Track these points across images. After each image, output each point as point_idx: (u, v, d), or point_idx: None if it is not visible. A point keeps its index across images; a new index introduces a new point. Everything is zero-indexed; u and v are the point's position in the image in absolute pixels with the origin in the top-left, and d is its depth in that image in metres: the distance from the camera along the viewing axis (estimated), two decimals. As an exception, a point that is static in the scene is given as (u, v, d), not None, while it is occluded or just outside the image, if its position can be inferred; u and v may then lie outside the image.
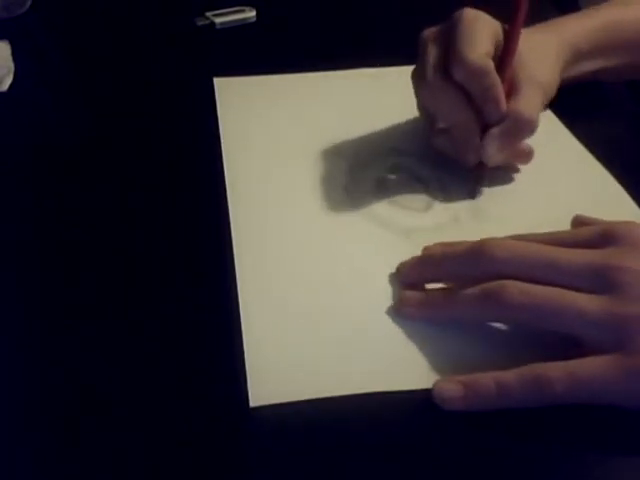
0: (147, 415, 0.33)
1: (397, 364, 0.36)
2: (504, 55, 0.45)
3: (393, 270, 0.41)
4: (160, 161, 0.50)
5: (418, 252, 0.41)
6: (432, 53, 0.45)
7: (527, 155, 0.48)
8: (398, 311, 0.38)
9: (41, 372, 0.35)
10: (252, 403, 0.33)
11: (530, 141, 0.49)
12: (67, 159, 0.50)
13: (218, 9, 0.69)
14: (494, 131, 0.44)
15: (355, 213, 0.45)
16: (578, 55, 0.51)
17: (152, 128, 0.54)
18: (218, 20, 0.68)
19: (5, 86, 0.57)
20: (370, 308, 0.39)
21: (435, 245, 0.42)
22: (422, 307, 0.38)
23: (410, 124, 0.53)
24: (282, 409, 0.33)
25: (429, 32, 0.47)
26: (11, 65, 0.59)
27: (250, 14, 0.69)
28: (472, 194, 0.46)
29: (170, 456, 0.32)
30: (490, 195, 0.47)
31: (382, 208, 0.45)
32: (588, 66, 0.53)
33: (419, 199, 0.46)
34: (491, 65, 0.43)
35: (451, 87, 0.44)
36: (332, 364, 0.35)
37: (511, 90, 0.45)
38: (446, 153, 0.48)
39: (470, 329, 0.37)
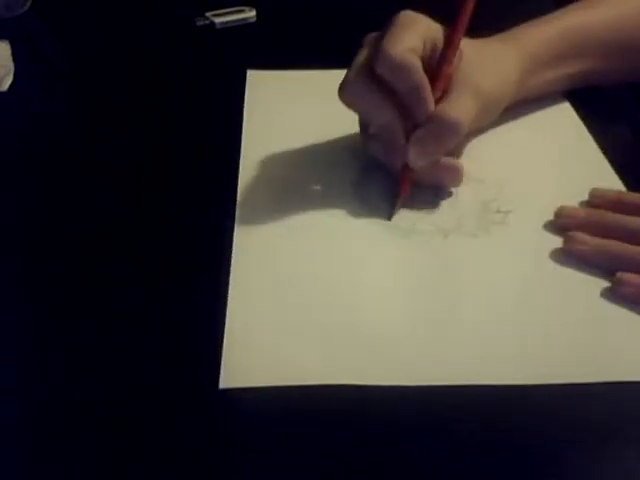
0: (130, 404, 0.34)
1: (378, 359, 0.36)
2: (441, 58, 0.44)
3: (385, 267, 0.41)
4: (160, 161, 0.50)
5: (415, 253, 0.42)
6: (361, 55, 0.44)
7: (453, 171, 0.46)
8: (617, 292, 0.39)
9: (29, 360, 0.36)
10: (222, 384, 0.34)
11: (545, 136, 0.49)
12: (67, 159, 0.50)
13: (218, 9, 0.69)
14: (419, 132, 0.43)
15: (360, 211, 0.45)
16: (539, 64, 0.50)
17: (152, 128, 0.54)
18: (218, 20, 0.68)
19: (5, 86, 0.57)
20: (358, 303, 0.39)
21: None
22: None
23: None
24: (257, 394, 0.34)
25: (367, 37, 0.45)
26: (11, 65, 0.59)
27: (250, 14, 0.69)
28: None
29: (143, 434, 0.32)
30: (496, 198, 0.46)
31: (386, 207, 0.45)
32: (552, 74, 0.52)
33: (426, 200, 0.46)
34: (415, 61, 0.42)
35: (375, 86, 0.43)
36: (311, 354, 0.36)
37: (443, 96, 0.44)
38: (379, 159, 0.46)
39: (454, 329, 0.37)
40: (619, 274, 0.39)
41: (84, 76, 0.61)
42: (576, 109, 0.54)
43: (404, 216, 0.45)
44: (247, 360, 0.35)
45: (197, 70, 0.61)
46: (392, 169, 0.46)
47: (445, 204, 0.46)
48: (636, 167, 0.49)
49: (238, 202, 0.45)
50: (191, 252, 0.42)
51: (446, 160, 0.45)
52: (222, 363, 0.35)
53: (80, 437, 0.33)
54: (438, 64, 0.44)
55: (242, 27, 0.69)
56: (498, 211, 0.45)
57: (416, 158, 0.44)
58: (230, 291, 0.39)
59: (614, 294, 0.39)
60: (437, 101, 0.44)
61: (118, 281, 0.40)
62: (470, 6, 0.45)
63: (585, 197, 0.45)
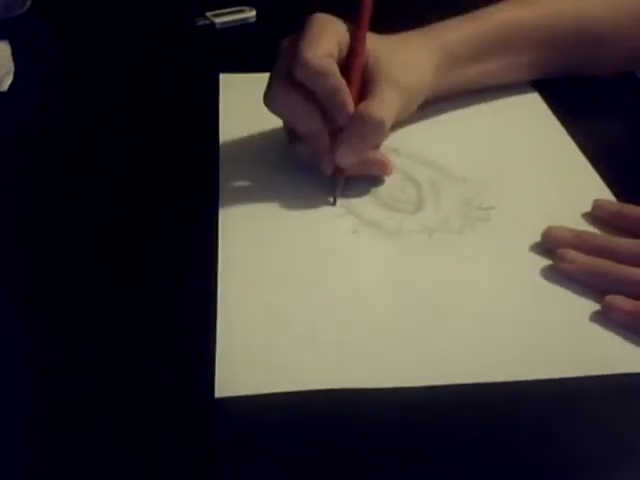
0: (122, 407, 0.34)
1: (370, 362, 0.36)
2: (351, 56, 0.45)
3: (377, 270, 0.41)
4: (159, 161, 0.50)
5: (404, 254, 0.42)
6: (280, 61, 0.44)
7: (381, 165, 0.46)
8: (608, 317, 0.38)
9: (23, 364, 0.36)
10: (217, 394, 0.33)
11: (521, 135, 0.50)
12: (67, 159, 0.50)
13: (218, 9, 0.69)
14: (343, 134, 0.44)
15: (344, 213, 0.45)
16: (456, 60, 0.51)
17: (152, 128, 0.54)
18: (218, 20, 0.68)
19: (5, 86, 0.57)
20: (349, 306, 0.39)
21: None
22: (636, 318, 0.37)
23: (413, 124, 0.52)
24: (251, 402, 0.33)
25: (283, 42, 0.46)
26: (11, 65, 0.59)
27: (250, 14, 0.69)
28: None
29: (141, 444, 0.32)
30: (478, 195, 0.46)
31: (371, 209, 0.45)
32: (472, 71, 0.52)
33: (409, 201, 0.46)
34: (332, 65, 0.43)
35: (296, 92, 0.43)
36: (303, 359, 0.36)
37: (362, 92, 0.45)
38: (307, 161, 0.46)
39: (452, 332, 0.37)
40: (608, 298, 0.38)
41: (84, 76, 0.61)
42: (573, 108, 0.55)
43: (390, 217, 0.45)
44: (241, 368, 0.35)
45: (197, 70, 0.61)
46: (322, 170, 0.45)
47: (428, 203, 0.46)
48: (616, 163, 0.49)
49: (220, 210, 0.44)
50: (179, 259, 0.42)
51: (373, 155, 0.46)
52: (216, 372, 0.34)
53: (77, 448, 0.32)
54: (349, 64, 0.45)
55: (242, 27, 0.69)
56: (480, 208, 0.45)
57: (343, 158, 0.44)
58: (219, 300, 0.38)
59: (604, 318, 0.38)
60: (355, 97, 0.44)
61: (106, 288, 0.40)
62: (369, 5, 0.46)
63: (563, 189, 0.47)
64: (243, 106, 0.54)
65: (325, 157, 0.45)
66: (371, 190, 0.47)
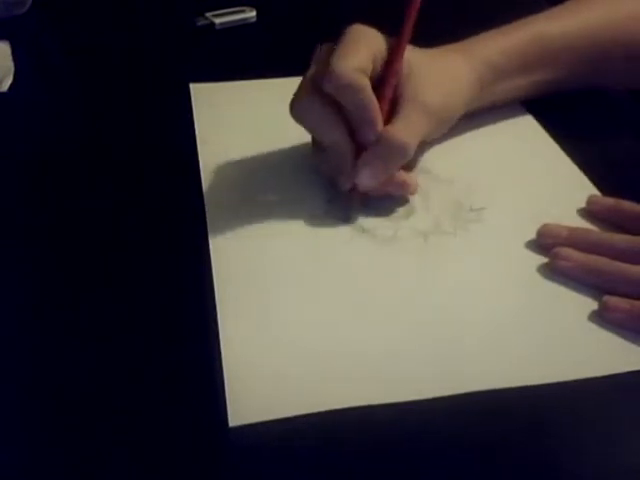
0: (128, 437, 0.32)
1: (380, 377, 0.35)
2: (385, 73, 0.43)
3: (377, 280, 0.40)
4: (159, 161, 0.50)
5: (402, 260, 0.41)
6: (311, 70, 0.43)
7: (401, 186, 0.45)
8: (604, 317, 0.38)
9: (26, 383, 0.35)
10: (231, 423, 0.32)
11: (514, 148, 0.50)
12: (67, 159, 0.50)
13: (218, 9, 0.69)
14: (367, 154, 0.43)
15: (337, 223, 0.44)
16: (498, 74, 0.50)
17: (152, 128, 0.54)
18: (218, 20, 0.68)
19: (5, 86, 0.57)
20: (354, 320, 0.38)
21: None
22: (633, 317, 0.37)
23: None
24: (263, 428, 0.32)
25: (319, 49, 0.44)
26: (11, 65, 0.59)
27: (250, 14, 0.70)
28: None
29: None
30: (467, 197, 0.46)
31: (364, 217, 0.44)
32: (512, 83, 0.51)
33: (400, 206, 0.46)
34: (363, 80, 0.41)
35: (323, 103, 0.42)
36: (313, 379, 0.35)
37: (392, 112, 0.44)
38: (326, 174, 0.46)
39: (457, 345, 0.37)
40: (605, 298, 0.38)
41: (84, 76, 0.61)
42: (577, 120, 0.54)
43: (383, 224, 0.44)
44: (252, 394, 0.34)
45: (197, 70, 0.61)
46: (340, 185, 0.44)
47: (419, 207, 0.46)
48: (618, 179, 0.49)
49: (209, 229, 0.43)
50: (171, 280, 0.41)
51: (399, 176, 0.44)
52: (227, 401, 0.33)
53: (78, 452, 0.32)
54: (382, 81, 0.43)
55: (242, 27, 0.69)
56: (471, 209, 0.45)
57: (364, 180, 0.43)
58: (220, 326, 0.37)
59: (602, 318, 0.38)
60: (386, 115, 0.43)
61: (106, 289, 0.40)
62: (412, 16, 0.45)
63: (552, 190, 0.47)
64: (219, 116, 0.54)
65: (345, 172, 0.43)
66: (362, 199, 0.45)
